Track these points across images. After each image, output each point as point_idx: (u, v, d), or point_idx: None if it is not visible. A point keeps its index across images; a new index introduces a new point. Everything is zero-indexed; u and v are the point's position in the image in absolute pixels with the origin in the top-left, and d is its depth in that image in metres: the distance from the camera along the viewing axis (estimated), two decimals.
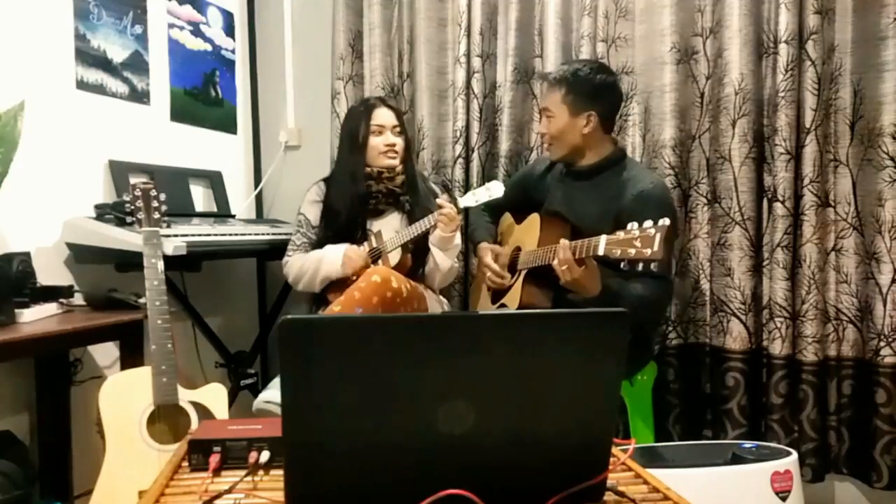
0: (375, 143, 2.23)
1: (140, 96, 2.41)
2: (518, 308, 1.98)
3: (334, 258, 2.15)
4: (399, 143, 2.26)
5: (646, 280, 1.72)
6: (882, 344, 2.07)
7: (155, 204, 1.83)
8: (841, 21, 2.12)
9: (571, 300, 1.89)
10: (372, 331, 0.83)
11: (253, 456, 1.05)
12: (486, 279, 2.14)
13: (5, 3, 1.95)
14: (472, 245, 2.40)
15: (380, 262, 2.15)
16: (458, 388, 0.84)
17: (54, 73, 2.10)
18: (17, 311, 1.73)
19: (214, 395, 1.76)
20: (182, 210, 2.42)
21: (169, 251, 1.88)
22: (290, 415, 0.82)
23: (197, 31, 2.71)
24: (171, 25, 2.58)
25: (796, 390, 2.14)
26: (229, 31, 2.90)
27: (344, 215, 2.22)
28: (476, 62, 2.50)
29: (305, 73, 2.93)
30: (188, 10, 2.66)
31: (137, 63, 2.40)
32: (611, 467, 0.93)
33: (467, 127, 2.53)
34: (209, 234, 2.24)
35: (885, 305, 2.06)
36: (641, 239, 1.51)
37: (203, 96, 2.74)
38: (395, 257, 2.15)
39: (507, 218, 2.28)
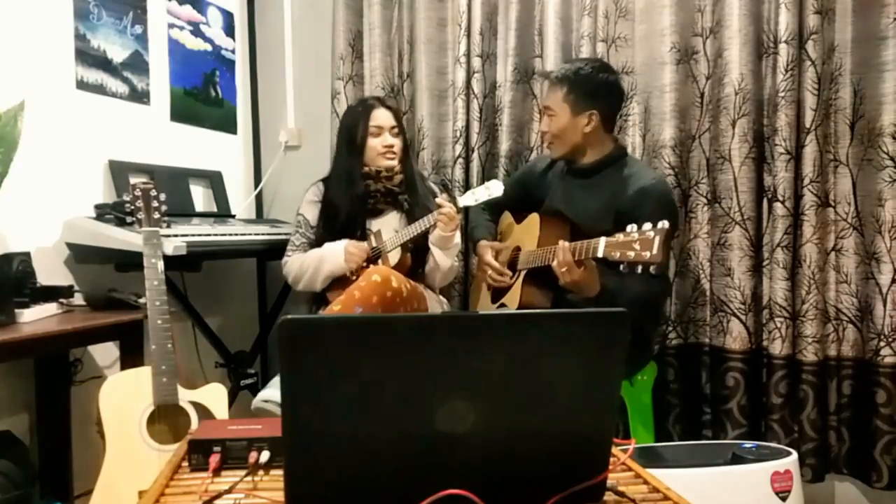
0: (374, 144, 2.23)
1: (140, 96, 2.41)
2: (518, 308, 1.99)
3: (335, 254, 2.15)
4: (397, 143, 2.25)
5: (643, 278, 1.72)
6: (882, 344, 2.07)
7: (155, 204, 1.83)
8: (841, 21, 2.12)
9: (571, 300, 1.89)
10: (372, 331, 0.83)
11: (253, 456, 1.05)
12: (487, 277, 2.14)
13: (5, 3, 1.95)
14: (471, 244, 2.40)
15: (379, 261, 2.15)
16: (457, 387, 0.84)
17: (54, 73, 2.10)
18: (17, 311, 1.73)
19: (214, 395, 1.76)
20: (182, 210, 2.42)
21: (169, 251, 1.88)
22: (290, 415, 0.82)
23: (197, 31, 2.71)
24: (171, 25, 2.58)
25: (796, 390, 2.14)
26: (229, 31, 2.90)
27: (343, 215, 2.22)
28: (476, 62, 2.51)
29: (305, 73, 2.93)
30: (188, 10, 2.66)
31: (137, 63, 2.40)
32: (611, 467, 0.93)
33: (467, 127, 2.53)
34: (209, 234, 2.24)
35: (885, 305, 2.06)
36: (641, 242, 1.51)
37: (203, 96, 2.74)
38: (394, 257, 2.15)
39: (507, 217, 2.29)
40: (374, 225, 2.24)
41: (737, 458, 1.78)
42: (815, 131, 2.10)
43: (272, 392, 1.96)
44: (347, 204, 2.22)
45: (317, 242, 2.24)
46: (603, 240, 1.60)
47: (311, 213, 2.30)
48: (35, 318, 1.77)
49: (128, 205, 1.83)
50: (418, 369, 0.83)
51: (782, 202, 2.13)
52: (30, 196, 2.00)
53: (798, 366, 2.13)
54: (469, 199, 2.04)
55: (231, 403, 1.94)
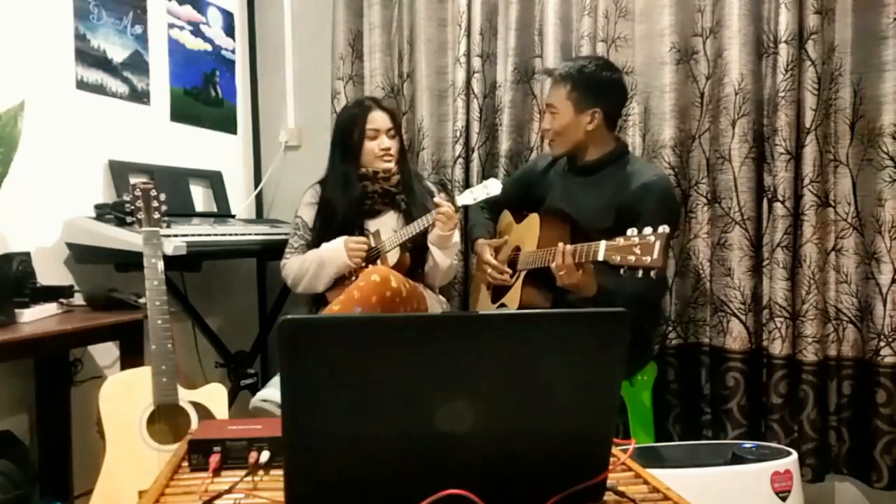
0: (370, 146, 2.22)
1: (140, 96, 2.41)
2: (518, 308, 1.99)
3: (336, 253, 2.14)
4: (394, 145, 2.25)
5: (641, 278, 1.72)
6: (882, 344, 2.07)
7: (155, 204, 1.83)
8: (841, 21, 2.12)
9: (570, 300, 1.89)
10: (372, 331, 0.83)
11: (253, 456, 1.05)
12: (487, 276, 2.14)
13: (5, 3, 1.95)
14: (470, 243, 2.40)
15: (378, 261, 2.15)
16: (457, 387, 0.84)
17: (54, 73, 2.10)
18: (17, 311, 1.73)
19: (214, 395, 1.75)
20: (182, 210, 2.42)
21: (169, 251, 1.88)
22: (290, 415, 0.82)
23: (197, 31, 2.71)
24: (171, 25, 2.58)
25: (796, 390, 2.14)
26: (229, 31, 2.90)
27: (340, 217, 2.21)
28: (476, 62, 2.51)
29: (305, 73, 2.93)
30: (188, 10, 2.67)
31: (137, 63, 2.40)
32: (611, 467, 0.93)
33: (467, 127, 2.53)
34: (209, 234, 2.24)
35: (885, 305, 2.06)
36: (641, 246, 1.51)
37: (203, 96, 2.74)
38: (393, 257, 2.15)
39: (507, 216, 2.29)
40: (372, 226, 2.24)
41: (737, 458, 1.78)
42: (815, 131, 2.10)
43: (271, 392, 1.96)
44: (345, 206, 2.21)
45: (315, 244, 2.24)
46: (603, 243, 1.60)
47: (309, 215, 2.29)
48: (35, 318, 1.77)
49: (128, 205, 1.83)
50: (418, 369, 0.83)
51: (782, 202, 2.13)
52: (30, 196, 2.00)
53: (798, 366, 2.13)
54: (467, 198, 2.04)
55: (231, 403, 1.94)
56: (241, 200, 2.91)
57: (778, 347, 2.13)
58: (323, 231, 2.24)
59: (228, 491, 0.98)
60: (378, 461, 0.84)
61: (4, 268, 1.72)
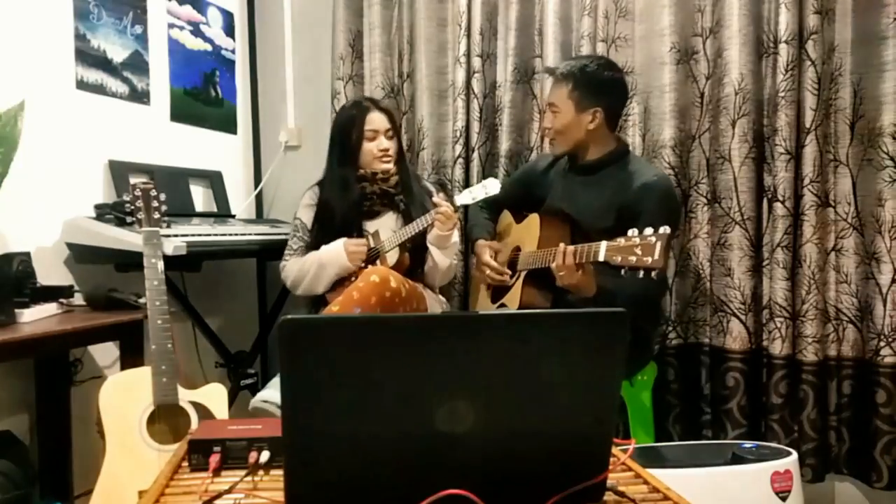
0: (369, 148, 2.21)
1: (140, 96, 2.41)
2: (518, 308, 1.99)
3: (336, 255, 2.13)
4: (392, 146, 2.24)
5: (641, 278, 1.72)
6: (882, 344, 2.07)
7: (155, 204, 1.83)
8: (841, 21, 2.12)
9: (570, 300, 1.89)
10: (372, 331, 0.83)
11: (253, 456, 1.05)
12: (486, 276, 2.14)
13: (5, 3, 1.95)
14: (470, 243, 2.40)
15: (378, 261, 2.14)
16: (457, 387, 0.84)
17: (54, 73, 2.10)
18: (17, 311, 1.73)
19: (214, 395, 1.75)
20: (182, 210, 2.42)
21: (169, 251, 1.88)
22: (290, 415, 0.82)
23: (197, 31, 2.71)
24: (171, 25, 2.58)
25: (796, 390, 2.14)
26: (229, 31, 2.90)
27: (338, 218, 2.21)
28: (476, 62, 2.50)
29: (305, 73, 2.93)
30: (188, 10, 2.67)
31: (137, 63, 2.40)
32: (611, 467, 0.93)
33: (467, 127, 2.53)
34: (209, 234, 2.24)
35: (885, 305, 2.06)
36: (642, 247, 1.51)
37: (203, 96, 2.74)
38: (392, 257, 2.15)
39: (507, 216, 2.28)
40: (371, 227, 2.24)
41: (737, 458, 1.78)
42: (815, 131, 2.10)
43: (271, 393, 1.96)
44: (343, 207, 2.21)
45: (314, 246, 2.23)
46: (604, 244, 1.60)
47: (308, 217, 2.29)
48: (35, 318, 1.77)
49: (128, 205, 1.83)
50: (418, 369, 0.83)
51: (782, 202, 2.13)
52: (30, 196, 2.00)
53: (798, 366, 2.13)
54: (466, 197, 2.04)
55: (231, 403, 1.94)
56: (241, 200, 2.91)
57: (778, 347, 2.13)
58: (322, 233, 2.23)
59: (228, 491, 0.98)
60: (378, 461, 0.84)
61: (4, 268, 1.72)
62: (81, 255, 2.05)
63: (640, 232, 1.53)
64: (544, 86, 2.41)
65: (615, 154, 2.02)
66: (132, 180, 2.00)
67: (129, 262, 1.93)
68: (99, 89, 2.24)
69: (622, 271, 1.55)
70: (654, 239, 1.50)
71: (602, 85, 1.97)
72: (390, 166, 2.23)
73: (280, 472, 0.91)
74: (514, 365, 0.85)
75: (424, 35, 2.60)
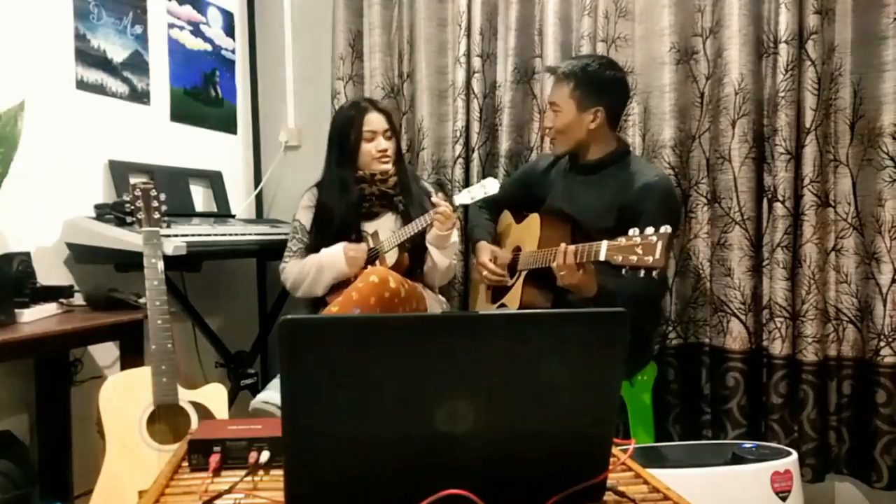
0: (367, 148, 2.21)
1: (140, 96, 2.41)
2: (518, 308, 1.99)
3: (335, 260, 2.13)
4: (391, 147, 2.23)
5: (641, 278, 1.72)
6: (882, 344, 2.07)
7: (155, 204, 1.83)
8: (841, 21, 2.12)
9: (571, 300, 1.89)
10: (372, 331, 0.83)
11: (253, 456, 1.05)
12: (483, 277, 2.14)
13: (5, 3, 1.95)
14: (471, 244, 2.40)
15: (377, 262, 2.14)
16: (457, 388, 0.84)
17: (54, 73, 2.10)
18: (17, 311, 1.73)
19: (214, 395, 1.75)
20: (182, 210, 2.42)
21: (169, 251, 1.88)
22: (290, 415, 0.82)
23: (197, 31, 2.71)
24: (171, 25, 2.58)
25: (796, 390, 2.14)
26: (229, 31, 2.90)
27: (337, 220, 2.20)
28: (476, 62, 2.50)
29: (305, 73, 2.93)
30: (188, 10, 2.67)
31: (137, 63, 2.40)
32: (611, 467, 0.93)
33: (467, 127, 2.53)
34: (209, 234, 2.24)
35: (885, 305, 2.06)
36: (643, 246, 1.51)
37: (203, 96, 2.75)
38: (391, 257, 2.15)
39: (507, 217, 2.28)
40: (370, 227, 2.23)
41: (737, 458, 1.78)
42: (815, 131, 2.10)
43: (271, 394, 1.96)
44: (342, 209, 2.20)
45: (314, 248, 2.23)
46: (605, 243, 1.60)
47: (307, 219, 2.28)
48: (35, 318, 1.77)
49: (128, 205, 1.83)
50: (418, 369, 0.83)
51: (782, 202, 2.13)
52: (30, 196, 2.00)
53: (798, 366, 2.13)
54: (465, 197, 2.04)
55: (231, 403, 1.93)
56: (241, 200, 2.91)
57: (778, 347, 2.13)
58: (321, 235, 2.23)
59: (228, 491, 0.98)
60: (378, 461, 0.84)
61: (4, 268, 1.72)
62: (81, 255, 2.05)
63: (641, 231, 1.53)
64: (544, 86, 2.41)
65: (616, 154, 2.02)
66: (132, 180, 2.00)
67: (129, 262, 1.93)
68: (99, 89, 2.24)
69: (623, 271, 1.55)
70: (655, 238, 1.49)
71: (604, 84, 1.97)
72: (389, 167, 2.23)
73: (280, 472, 0.91)
74: (514, 365, 0.85)
75: (424, 35, 2.60)
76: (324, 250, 2.18)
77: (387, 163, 2.22)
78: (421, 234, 2.13)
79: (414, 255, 2.20)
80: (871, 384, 2.09)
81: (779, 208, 2.13)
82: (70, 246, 2.07)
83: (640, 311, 1.92)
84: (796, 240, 2.14)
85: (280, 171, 2.97)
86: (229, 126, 2.90)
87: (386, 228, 2.22)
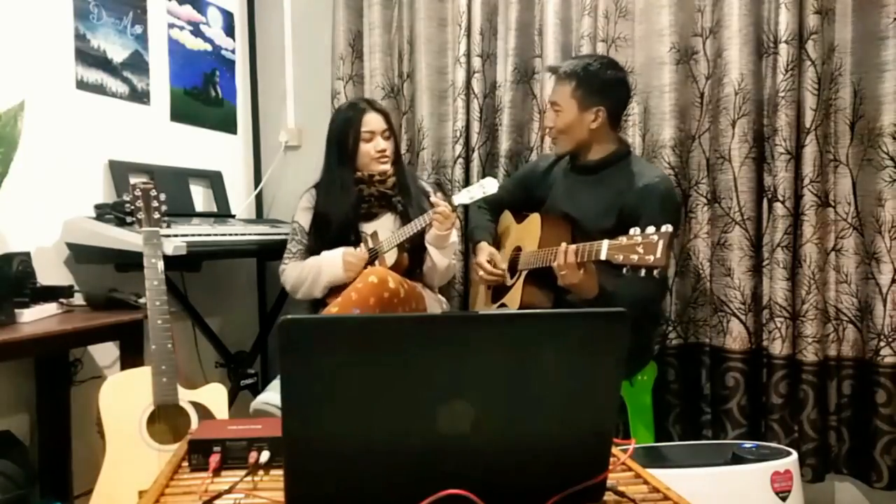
0: (366, 149, 2.21)
1: (140, 96, 2.41)
2: (519, 308, 1.99)
3: (333, 264, 2.14)
4: (389, 147, 2.23)
5: (641, 279, 1.72)
6: (882, 344, 2.07)
7: (155, 204, 1.83)
8: (841, 21, 2.12)
9: (571, 301, 1.89)
10: (372, 331, 0.83)
11: (253, 456, 1.05)
12: (479, 277, 2.14)
13: (5, 3, 1.95)
14: (471, 244, 2.40)
15: (376, 262, 2.14)
16: (457, 388, 0.84)
17: (54, 73, 2.10)
18: (17, 311, 1.73)
19: (214, 395, 1.76)
20: (182, 210, 2.42)
21: (169, 251, 1.88)
22: (290, 415, 0.82)
23: (197, 31, 2.71)
24: (171, 25, 2.58)
25: (796, 390, 2.14)
26: (229, 31, 2.90)
27: (336, 222, 2.20)
28: (476, 62, 2.50)
29: (305, 73, 2.93)
30: (188, 10, 2.66)
31: (137, 63, 2.40)
32: (611, 467, 0.93)
33: (467, 127, 2.53)
34: (209, 234, 2.24)
35: (885, 305, 2.06)
36: (644, 245, 1.51)
37: (203, 96, 2.74)
38: (391, 257, 2.15)
39: (508, 217, 2.28)
40: (369, 228, 2.23)
41: (737, 458, 1.78)
42: (815, 131, 2.10)
43: (272, 395, 1.96)
44: (341, 210, 2.20)
45: (313, 249, 2.23)
46: (606, 242, 1.60)
47: (306, 220, 2.28)
48: (35, 318, 1.77)
49: (128, 205, 1.83)
50: (418, 369, 0.83)
51: (782, 202, 2.13)
52: (30, 196, 2.00)
53: (798, 366, 2.13)
54: (464, 197, 2.04)
55: (231, 403, 1.94)
56: (241, 200, 2.91)
57: (778, 347, 2.13)
58: (320, 236, 2.23)
59: (228, 491, 0.98)
60: (378, 461, 0.84)
61: (4, 268, 1.72)
62: (81, 255, 2.05)
63: (642, 231, 1.53)
64: (545, 85, 2.41)
65: (617, 154, 2.02)
66: (132, 180, 2.00)
67: (129, 262, 1.93)
68: (99, 89, 2.24)
69: (624, 270, 1.55)
70: (656, 237, 1.49)
71: (605, 84, 1.97)
72: (388, 167, 2.23)
73: (280, 472, 0.91)
74: (514, 365, 0.85)
75: (424, 35, 2.59)
76: (324, 253, 2.18)
77: (385, 163, 2.22)
78: (420, 235, 2.12)
79: (413, 255, 2.20)
80: (871, 384, 2.10)
81: (779, 208, 2.13)
82: (70, 246, 2.07)
83: (641, 313, 1.93)
84: (796, 240, 2.14)
85: (280, 171, 2.97)
86: (229, 126, 2.90)
87: (385, 229, 2.22)
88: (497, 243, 2.26)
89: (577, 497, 0.89)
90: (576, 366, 0.88)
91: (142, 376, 1.71)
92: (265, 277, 2.98)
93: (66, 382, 2.03)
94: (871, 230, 2.10)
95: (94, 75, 2.22)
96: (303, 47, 2.93)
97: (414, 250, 2.19)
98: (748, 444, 1.87)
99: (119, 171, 2.26)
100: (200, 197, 2.67)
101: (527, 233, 2.09)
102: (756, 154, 2.21)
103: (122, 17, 2.33)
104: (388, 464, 0.85)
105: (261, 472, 1.04)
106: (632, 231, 1.55)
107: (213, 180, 2.73)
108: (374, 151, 2.21)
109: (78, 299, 1.98)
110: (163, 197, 1.84)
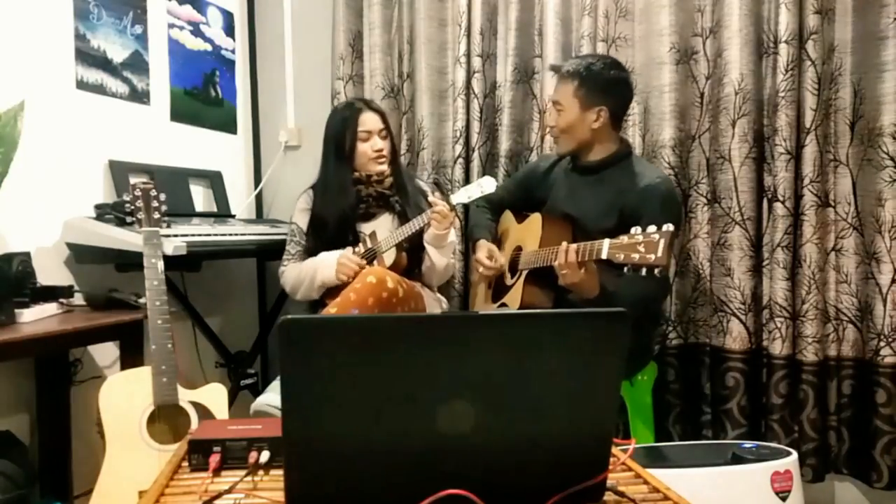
0: (363, 149, 2.20)
1: (140, 96, 2.41)
2: (519, 308, 1.98)
3: (328, 266, 2.14)
4: (386, 147, 2.23)
5: (643, 279, 1.73)
6: (882, 344, 2.07)
7: (155, 204, 1.83)
8: (841, 21, 2.12)
9: (572, 301, 1.89)
10: (372, 331, 0.83)
11: (253, 456, 1.05)
12: (479, 273, 2.14)
13: (5, 3, 1.95)
14: (471, 244, 2.40)
15: (375, 262, 2.14)
16: (458, 388, 0.84)
17: (54, 73, 2.10)
18: (17, 311, 1.73)
19: (214, 395, 1.76)
20: (182, 210, 2.42)
21: (169, 251, 1.88)
22: (290, 415, 0.82)
23: (197, 31, 2.71)
24: (171, 25, 2.58)
25: (796, 390, 2.14)
26: (229, 31, 2.90)
27: (334, 223, 2.20)
28: (476, 62, 2.50)
29: (305, 73, 2.93)
30: (188, 10, 2.66)
31: (137, 63, 2.40)
32: (611, 467, 0.93)
33: (467, 127, 2.53)
34: (209, 234, 2.24)
35: (885, 305, 2.06)
36: (645, 244, 1.51)
37: (203, 96, 2.74)
38: (389, 257, 2.14)
39: (508, 217, 2.28)
40: (367, 228, 2.23)
41: (737, 458, 1.78)
42: (815, 131, 2.10)
43: (273, 396, 1.95)
44: (339, 211, 2.20)
45: (312, 250, 2.22)
46: (607, 241, 1.60)
47: (304, 221, 2.28)
48: (35, 318, 1.77)
49: (128, 205, 1.83)
50: (418, 369, 0.83)
51: (782, 202, 2.13)
52: (30, 196, 2.00)
53: (798, 366, 2.13)
54: (462, 196, 2.04)
55: (231, 403, 1.94)
56: (241, 200, 2.91)
57: (778, 347, 2.13)
58: (318, 237, 2.23)
59: (228, 491, 0.98)
60: (378, 461, 0.84)
61: (4, 268, 1.72)
62: (81, 255, 2.05)
63: (643, 230, 1.53)
64: (545, 85, 2.41)
65: (618, 155, 2.02)
66: (132, 180, 2.00)
67: (129, 262, 1.93)
68: (99, 89, 2.24)
69: (625, 269, 1.55)
70: (657, 236, 1.49)
71: (607, 84, 1.97)
72: (385, 167, 2.23)
73: (280, 472, 0.91)
74: (514, 365, 0.85)
75: (424, 35, 2.59)
76: (322, 254, 2.17)
77: (383, 163, 2.22)
78: (419, 234, 2.12)
79: (412, 254, 2.20)
80: (871, 384, 2.10)
81: (779, 208, 2.13)
82: (70, 246, 2.07)
83: (642, 312, 1.93)
84: (796, 240, 2.14)
85: (280, 171, 2.97)
86: (229, 126, 2.90)
87: (383, 229, 2.22)
88: (497, 243, 2.26)
89: (577, 497, 0.89)
90: (576, 366, 0.88)
91: (142, 376, 1.71)
92: (265, 277, 2.98)
93: (66, 382, 2.03)
94: (871, 230, 2.10)
95: (94, 75, 2.22)
96: (303, 47, 2.93)
97: (412, 250, 2.19)
98: (748, 444, 1.87)
99: (119, 171, 2.26)
100: (200, 197, 2.67)
101: (528, 232, 2.09)
102: (756, 154, 2.21)
103: (122, 17, 2.33)
104: (388, 464, 0.85)
105: (261, 472, 1.04)
106: (633, 230, 1.55)
107: (213, 180, 2.73)
108: (371, 151, 2.20)
109: (78, 299, 1.98)
110: (163, 197, 1.84)
